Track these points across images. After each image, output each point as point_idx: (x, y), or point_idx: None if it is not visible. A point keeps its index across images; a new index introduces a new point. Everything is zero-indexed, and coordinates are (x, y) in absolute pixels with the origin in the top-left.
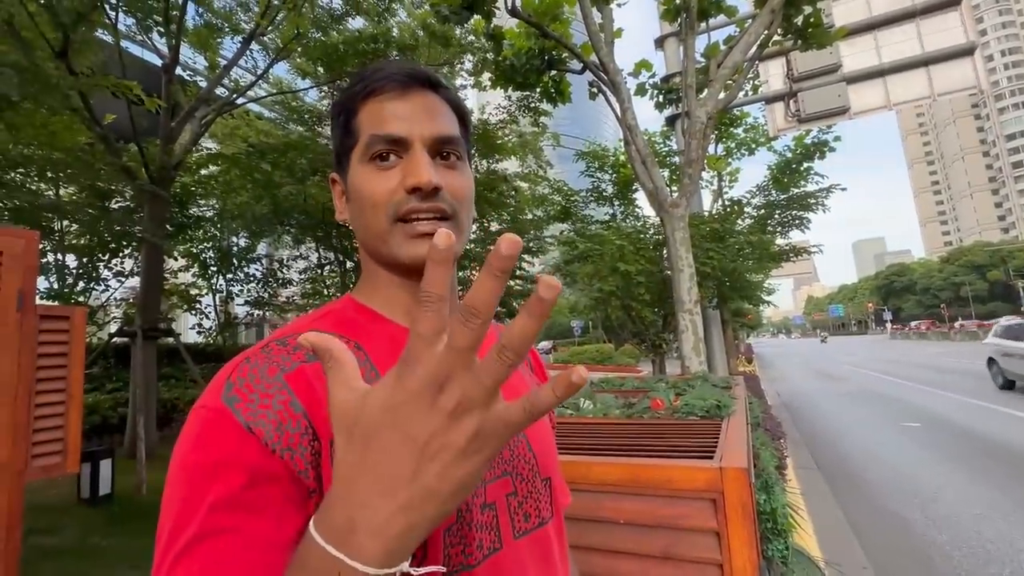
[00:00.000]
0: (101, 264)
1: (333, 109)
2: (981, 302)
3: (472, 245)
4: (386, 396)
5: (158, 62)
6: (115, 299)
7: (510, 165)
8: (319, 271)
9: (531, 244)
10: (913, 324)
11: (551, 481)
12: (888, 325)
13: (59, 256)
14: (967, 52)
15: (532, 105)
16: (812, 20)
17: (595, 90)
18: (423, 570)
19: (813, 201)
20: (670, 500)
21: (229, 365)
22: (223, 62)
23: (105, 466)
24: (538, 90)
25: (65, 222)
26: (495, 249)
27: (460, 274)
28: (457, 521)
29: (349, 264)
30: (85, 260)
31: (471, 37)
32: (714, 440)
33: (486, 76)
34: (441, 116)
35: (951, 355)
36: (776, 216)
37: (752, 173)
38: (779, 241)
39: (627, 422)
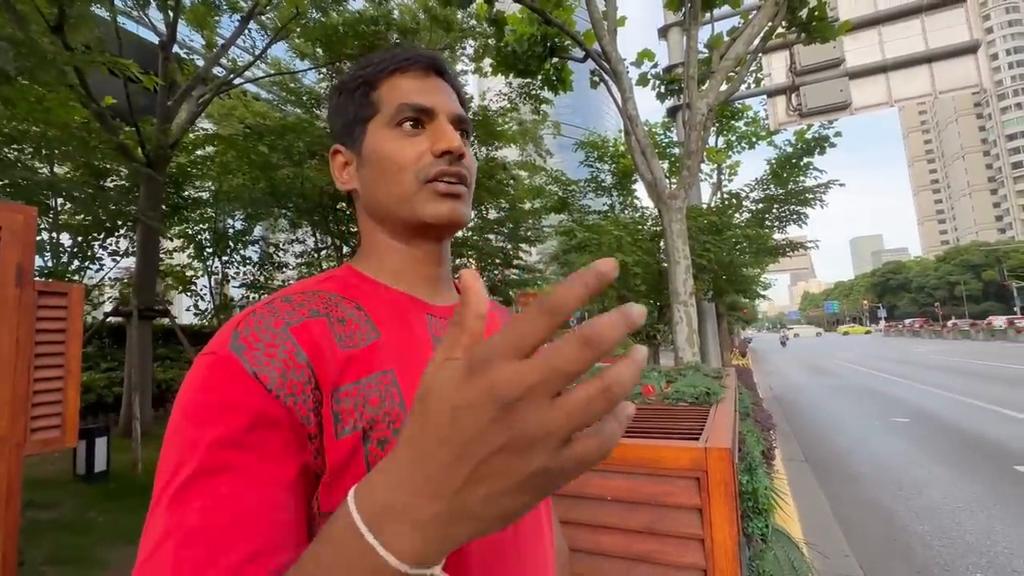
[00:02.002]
0: (96, 243)
1: (348, 83)
2: (975, 302)
3: (470, 233)
4: (454, 384)
5: (155, 39)
6: (110, 279)
7: (509, 153)
8: (316, 255)
9: (529, 233)
10: (907, 322)
11: None
12: (882, 322)
13: (54, 234)
14: (971, 50)
15: (533, 92)
16: (816, 13)
17: (597, 79)
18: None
19: (811, 196)
20: (656, 478)
21: (235, 318)
22: (221, 41)
23: (101, 443)
24: (539, 77)
25: (60, 200)
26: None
27: (458, 261)
28: None
29: (346, 249)
30: (80, 239)
31: (473, 22)
32: (701, 424)
33: (487, 62)
34: (455, 99)
35: (943, 353)
36: (774, 210)
37: (752, 167)
38: (776, 235)
39: None
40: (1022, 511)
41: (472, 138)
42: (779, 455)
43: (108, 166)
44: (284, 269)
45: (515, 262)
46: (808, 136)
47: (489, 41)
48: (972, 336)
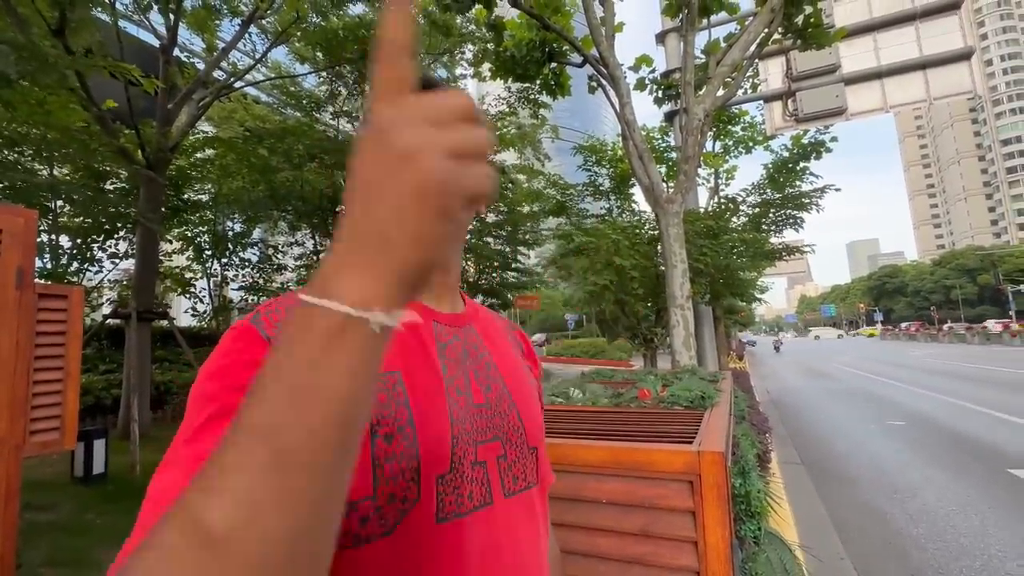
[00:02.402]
0: (96, 245)
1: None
2: (970, 305)
3: (469, 236)
4: (395, 111)
5: (156, 43)
6: (109, 281)
7: (508, 157)
8: (315, 258)
9: (527, 236)
10: (903, 326)
11: (537, 451)
12: (878, 326)
13: (53, 236)
14: (965, 56)
15: (532, 97)
16: (812, 20)
17: (595, 84)
18: (401, 315)
19: (808, 201)
20: (650, 481)
21: (258, 306)
22: (221, 45)
23: (99, 446)
24: (538, 82)
25: (60, 202)
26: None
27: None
28: (451, 471)
29: None
30: (79, 241)
31: (472, 27)
32: (695, 428)
33: (486, 67)
34: None
35: (938, 356)
36: (771, 215)
37: (749, 171)
38: (773, 240)
39: (614, 410)
40: (1015, 514)
41: None
42: (775, 458)
43: (108, 168)
44: (283, 271)
45: (513, 265)
46: (804, 141)
47: (488, 46)
48: (967, 340)
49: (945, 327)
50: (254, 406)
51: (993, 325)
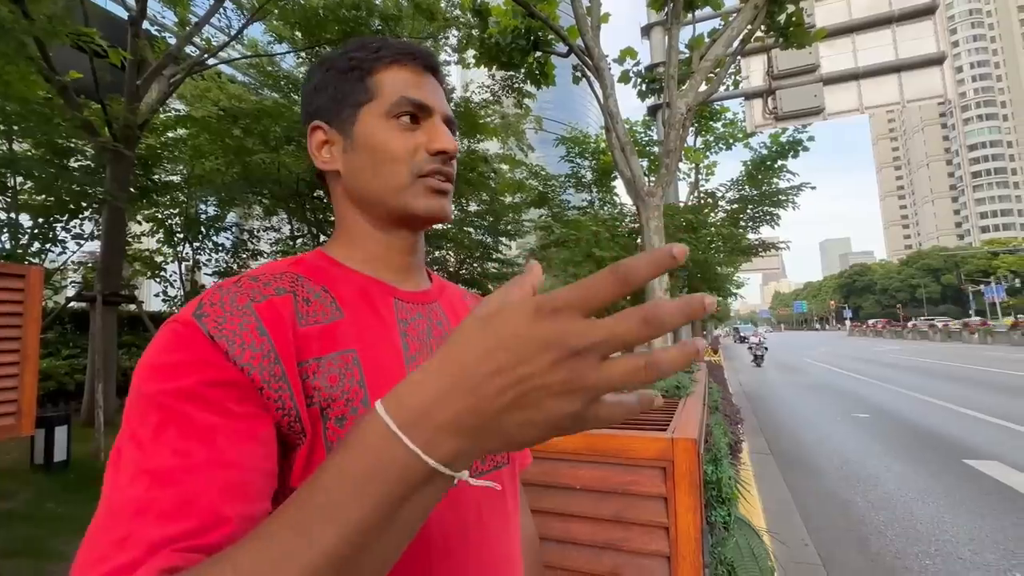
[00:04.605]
0: (59, 225)
1: (338, 61)
2: (934, 304)
3: (450, 226)
4: (525, 318)
5: (124, 15)
6: (73, 262)
7: (491, 146)
8: (291, 243)
9: (509, 227)
10: (870, 322)
11: None
12: (847, 323)
13: (11, 215)
14: (937, 61)
15: (516, 86)
16: (794, 19)
17: (579, 74)
18: (482, 482)
19: (784, 198)
20: (624, 468)
21: (204, 292)
22: (194, 19)
23: (61, 432)
24: (522, 71)
25: (20, 179)
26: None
27: (437, 254)
28: None
29: (323, 238)
30: (41, 220)
31: (456, 12)
32: (670, 416)
33: (470, 53)
34: (445, 100)
35: (903, 352)
36: (748, 211)
37: (728, 168)
38: (750, 235)
39: None
40: (968, 502)
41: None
42: (746, 448)
43: (72, 144)
44: (259, 257)
45: (495, 256)
46: (783, 139)
47: (473, 32)
48: (930, 337)
49: (910, 324)
50: (322, 532)
51: (954, 324)
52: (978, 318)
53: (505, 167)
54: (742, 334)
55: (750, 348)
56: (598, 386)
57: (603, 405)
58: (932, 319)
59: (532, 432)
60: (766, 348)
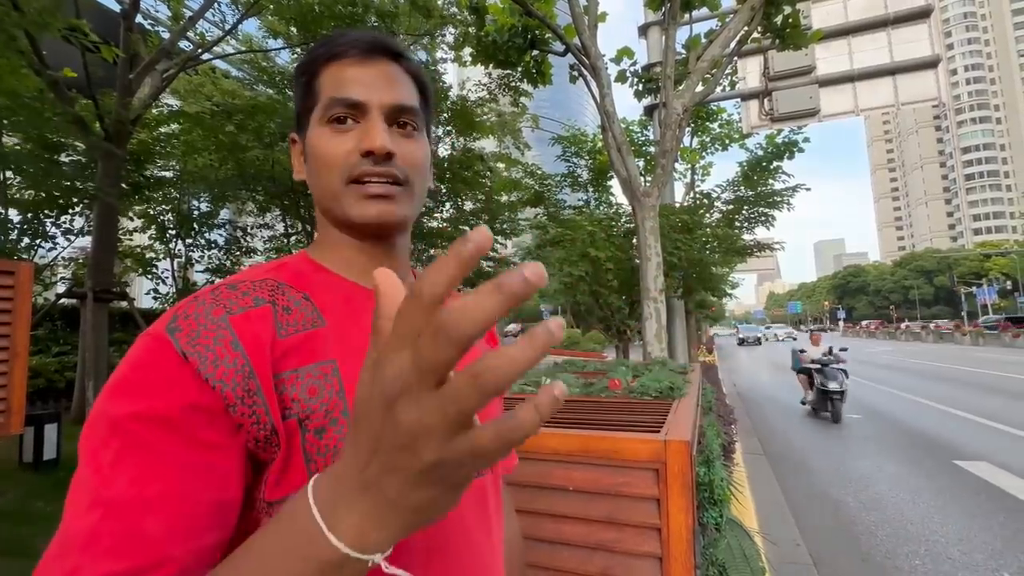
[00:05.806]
0: (49, 221)
1: (296, 70)
2: (927, 305)
3: (445, 224)
4: (364, 382)
5: (117, 8)
6: (64, 258)
7: (487, 145)
8: (285, 240)
9: (504, 226)
10: (864, 323)
11: None
12: (841, 324)
13: (1, 210)
14: (932, 64)
15: (512, 84)
16: (790, 21)
17: (576, 73)
18: (395, 571)
19: (779, 199)
20: (616, 469)
21: (180, 303)
22: (188, 14)
23: (50, 430)
24: (519, 69)
25: (9, 174)
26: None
27: (432, 252)
28: None
29: (317, 235)
30: (31, 215)
31: (454, 9)
32: (663, 418)
33: (467, 51)
34: (401, 86)
35: (896, 353)
36: (744, 212)
37: (724, 168)
38: (745, 236)
39: (584, 399)
40: (958, 503)
41: (449, 127)
42: (739, 448)
43: (63, 140)
44: (252, 254)
45: (490, 255)
46: (778, 140)
47: (469, 30)
48: (923, 338)
49: (903, 326)
50: None
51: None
52: (971, 322)
53: (501, 166)
54: (742, 335)
55: (817, 373)
56: (432, 424)
57: (470, 436)
58: (927, 322)
59: (419, 496)
60: (846, 374)
